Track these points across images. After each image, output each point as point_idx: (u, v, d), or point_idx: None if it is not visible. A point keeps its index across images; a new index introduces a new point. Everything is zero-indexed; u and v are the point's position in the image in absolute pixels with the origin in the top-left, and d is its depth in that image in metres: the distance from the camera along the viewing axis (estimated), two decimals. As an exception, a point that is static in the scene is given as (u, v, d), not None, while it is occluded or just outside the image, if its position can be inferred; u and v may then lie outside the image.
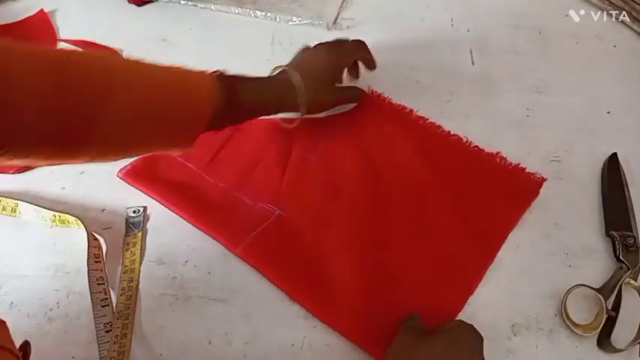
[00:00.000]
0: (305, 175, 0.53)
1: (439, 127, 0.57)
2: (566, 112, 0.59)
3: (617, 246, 0.48)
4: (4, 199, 0.51)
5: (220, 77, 0.44)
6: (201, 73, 0.43)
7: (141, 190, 0.52)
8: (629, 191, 0.51)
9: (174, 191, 0.52)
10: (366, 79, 0.60)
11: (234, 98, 0.44)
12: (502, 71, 0.63)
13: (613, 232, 0.49)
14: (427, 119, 0.57)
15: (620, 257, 0.48)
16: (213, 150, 0.55)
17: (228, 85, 0.44)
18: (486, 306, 0.46)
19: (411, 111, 0.58)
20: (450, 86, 0.60)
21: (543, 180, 0.52)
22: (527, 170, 0.53)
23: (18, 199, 0.51)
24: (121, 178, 0.53)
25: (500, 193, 0.52)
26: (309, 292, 0.46)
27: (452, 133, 0.56)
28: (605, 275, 0.48)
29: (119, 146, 0.40)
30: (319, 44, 0.54)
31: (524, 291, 0.47)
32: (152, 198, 0.52)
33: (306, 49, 0.54)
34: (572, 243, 0.50)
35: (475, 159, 0.54)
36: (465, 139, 0.55)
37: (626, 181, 0.52)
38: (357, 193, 0.51)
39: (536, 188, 0.52)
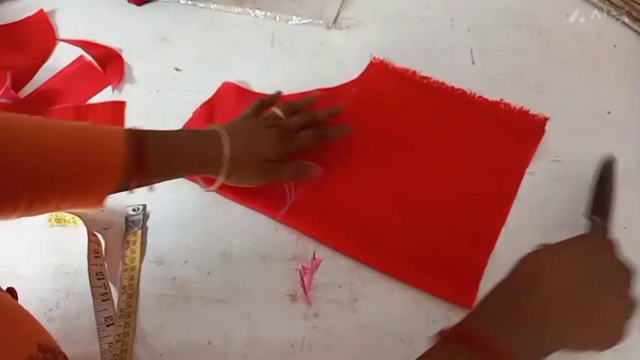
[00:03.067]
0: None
1: (443, 83, 0.60)
2: (566, 112, 0.59)
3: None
4: (3, 199, 0.51)
5: (130, 131, 0.42)
6: (110, 129, 0.42)
7: None
8: (613, 188, 0.50)
9: None
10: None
11: (143, 151, 0.42)
12: (502, 71, 0.63)
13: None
14: (430, 77, 0.61)
15: None
16: None
17: (138, 137, 0.42)
18: (486, 306, 0.46)
19: (414, 72, 0.61)
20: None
21: (546, 119, 0.57)
22: (530, 112, 0.57)
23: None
24: None
25: (509, 133, 0.56)
26: (352, 242, 0.49)
27: (456, 87, 0.60)
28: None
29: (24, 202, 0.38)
30: (262, 120, 0.51)
31: (524, 291, 0.47)
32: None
33: (247, 119, 0.52)
34: (572, 243, 0.50)
35: (481, 107, 0.58)
36: (469, 92, 0.59)
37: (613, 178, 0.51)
38: (377, 151, 0.55)
39: (541, 126, 0.56)
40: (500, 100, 0.58)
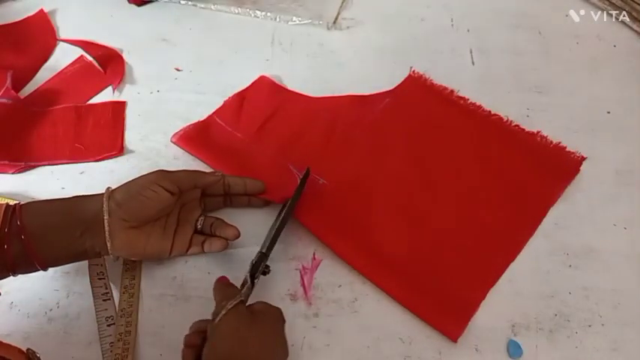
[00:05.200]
0: (349, 147, 0.56)
1: (480, 106, 0.58)
2: (566, 112, 0.59)
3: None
4: (4, 199, 0.51)
5: (7, 205, 0.40)
6: None
7: (192, 154, 0.55)
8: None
9: (222, 156, 0.54)
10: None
11: (16, 221, 0.40)
12: (502, 71, 0.63)
13: None
14: (467, 99, 0.59)
15: None
16: (259, 122, 0.57)
17: (12, 208, 0.40)
18: (486, 306, 0.46)
19: (452, 91, 0.59)
20: (450, 86, 0.60)
21: (583, 158, 0.54)
22: (567, 149, 0.54)
23: (18, 199, 0.51)
24: (174, 143, 0.56)
25: (541, 169, 0.53)
26: (353, 251, 0.48)
27: (492, 112, 0.57)
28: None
29: None
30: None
31: (524, 291, 0.47)
32: (202, 161, 0.54)
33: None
34: (572, 243, 0.50)
35: (516, 137, 0.56)
36: (505, 119, 0.57)
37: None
38: (399, 166, 0.54)
39: (576, 166, 0.53)
40: (538, 132, 0.55)
